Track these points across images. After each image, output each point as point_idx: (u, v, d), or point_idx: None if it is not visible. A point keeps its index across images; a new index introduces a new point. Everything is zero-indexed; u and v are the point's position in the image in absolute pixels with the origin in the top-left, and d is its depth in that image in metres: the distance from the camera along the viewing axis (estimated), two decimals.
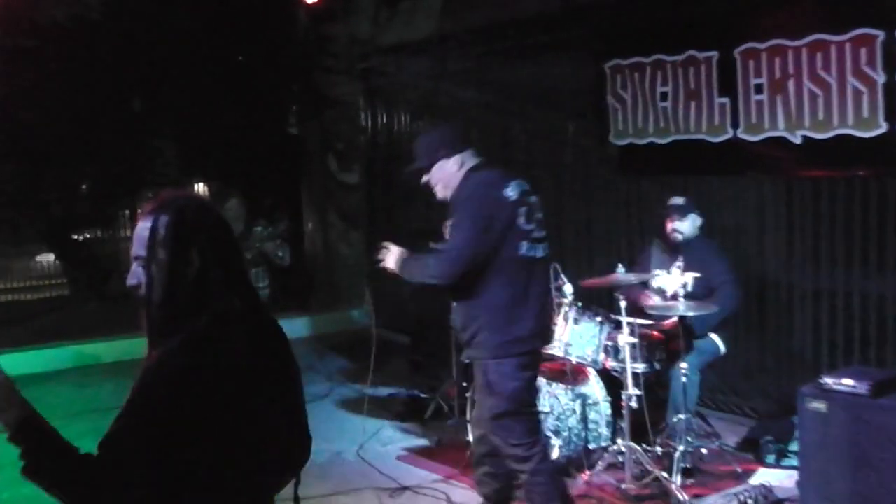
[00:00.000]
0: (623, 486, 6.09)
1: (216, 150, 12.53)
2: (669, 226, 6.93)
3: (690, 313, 6.31)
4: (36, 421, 2.37)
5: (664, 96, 7.88)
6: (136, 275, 2.58)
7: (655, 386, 6.73)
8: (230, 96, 12.01)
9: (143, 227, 2.57)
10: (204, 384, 2.41)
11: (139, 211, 2.70)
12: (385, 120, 11.83)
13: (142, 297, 2.56)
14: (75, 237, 13.96)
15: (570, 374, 6.53)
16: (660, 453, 6.35)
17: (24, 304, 13.47)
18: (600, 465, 6.34)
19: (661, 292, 6.85)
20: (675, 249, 6.91)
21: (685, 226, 6.87)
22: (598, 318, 6.44)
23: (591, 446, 6.53)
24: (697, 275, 6.53)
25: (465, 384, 7.21)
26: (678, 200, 7.00)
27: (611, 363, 6.49)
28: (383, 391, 8.76)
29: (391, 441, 7.56)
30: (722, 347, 6.88)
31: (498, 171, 5.16)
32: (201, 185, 13.47)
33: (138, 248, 2.57)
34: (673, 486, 5.91)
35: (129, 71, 11.49)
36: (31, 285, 14.31)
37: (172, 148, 12.94)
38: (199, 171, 13.38)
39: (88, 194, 13.71)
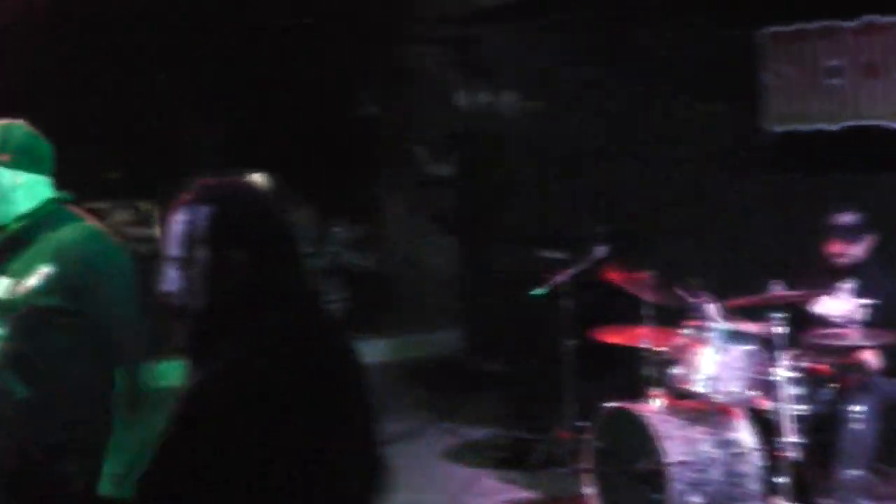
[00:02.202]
0: None
1: (271, 136, 12.65)
2: (834, 248, 6.79)
3: (868, 345, 6.24)
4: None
5: (834, 72, 7.82)
6: (170, 280, 2.56)
7: (821, 433, 6.67)
8: (289, 69, 12.11)
9: (179, 221, 2.55)
10: (253, 418, 2.39)
11: (174, 203, 2.65)
12: (485, 100, 11.86)
13: (178, 306, 2.55)
14: None
15: (713, 416, 6.52)
16: None
17: None
18: None
19: (823, 319, 6.77)
20: (840, 269, 6.80)
21: (856, 251, 6.73)
22: (750, 346, 6.42)
23: None
24: (874, 301, 6.44)
25: (579, 424, 7.24)
26: (847, 218, 6.76)
27: (765, 402, 6.46)
28: (479, 432, 8.81)
29: (491, 493, 7.59)
30: None
31: None
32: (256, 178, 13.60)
33: (173, 247, 2.55)
34: None
35: (160, 37, 11.66)
36: None
37: (215, 132, 13.07)
38: (250, 160, 13.50)
39: (114, 187, 13.96)
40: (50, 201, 3.86)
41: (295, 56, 12.17)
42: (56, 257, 3.61)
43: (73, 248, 3.67)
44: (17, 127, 3.90)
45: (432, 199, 12.64)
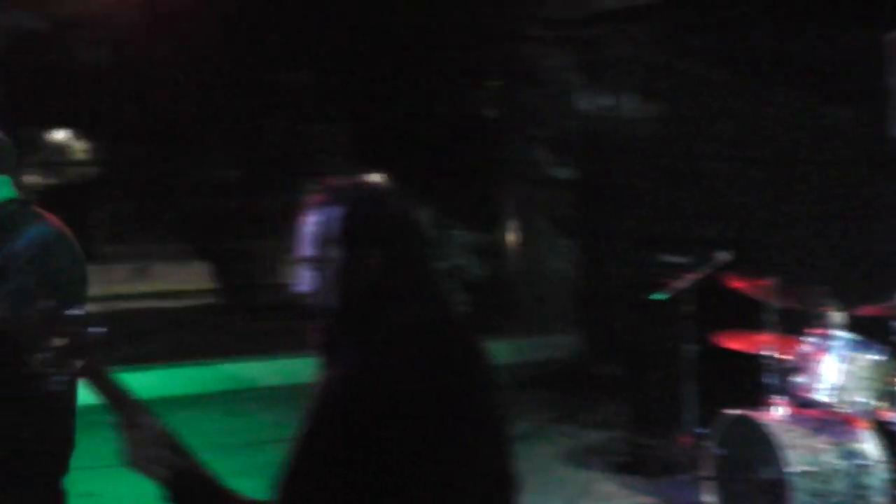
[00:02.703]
0: None
1: (392, 136, 12.72)
2: None
3: None
4: (198, 476, 2.50)
5: None
6: (304, 280, 2.59)
7: None
8: (411, 69, 12.17)
9: (312, 222, 2.57)
10: (384, 415, 2.39)
11: (303, 204, 2.68)
12: (606, 101, 11.83)
13: (311, 306, 2.58)
14: (223, 237, 14.43)
15: (837, 426, 6.45)
16: None
17: (161, 313, 14.02)
18: None
19: None
20: None
21: None
22: (877, 355, 6.34)
23: None
24: None
25: (699, 430, 7.21)
26: None
27: (891, 414, 6.38)
28: (598, 435, 8.81)
29: (610, 497, 7.59)
30: None
31: None
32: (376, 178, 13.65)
33: (306, 247, 2.58)
34: None
35: (286, 38, 11.81)
36: (169, 291, 14.87)
37: (339, 132, 13.18)
38: (372, 160, 13.61)
39: (238, 186, 14.15)
40: (10, 202, 3.66)
41: (416, 57, 12.23)
42: (17, 263, 3.47)
43: (35, 252, 3.50)
44: None
45: (552, 201, 12.63)
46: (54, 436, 3.64)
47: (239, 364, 11.14)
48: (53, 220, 3.67)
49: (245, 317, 13.12)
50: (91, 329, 2.62)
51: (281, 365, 10.63)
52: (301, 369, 9.93)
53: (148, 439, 2.50)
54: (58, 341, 2.59)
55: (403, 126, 12.48)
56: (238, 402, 10.28)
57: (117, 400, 2.58)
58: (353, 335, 2.53)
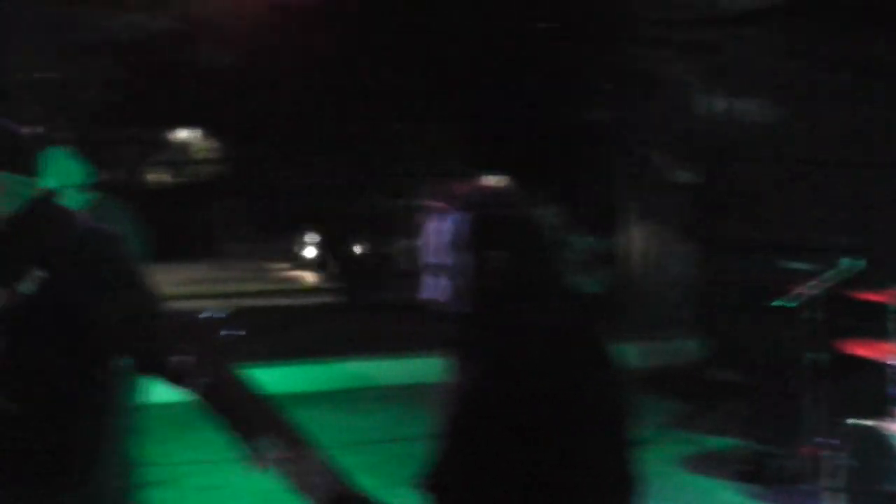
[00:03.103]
0: None
1: (510, 139, 12.69)
2: None
3: None
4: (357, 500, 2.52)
5: None
6: (430, 286, 2.64)
7: None
8: (523, 70, 12.13)
9: (436, 228, 2.61)
10: (519, 415, 2.44)
11: (426, 211, 2.69)
12: (726, 106, 11.72)
13: (439, 311, 2.62)
14: (342, 237, 14.56)
15: None
16: None
17: (280, 310, 14.13)
18: None
19: None
20: None
21: None
22: None
23: None
24: None
25: (821, 440, 7.12)
26: None
27: None
28: (718, 442, 8.72)
29: None
30: None
31: None
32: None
33: (431, 254, 2.62)
34: None
35: (404, 40, 11.85)
36: (287, 289, 15.05)
37: (448, 133, 13.19)
38: (483, 162, 13.59)
39: (356, 187, 14.26)
40: (34, 201, 3.60)
41: (532, 59, 12.21)
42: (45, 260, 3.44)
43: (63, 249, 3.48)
44: None
45: (671, 206, 12.54)
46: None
47: (358, 363, 11.22)
48: (82, 217, 3.69)
49: (363, 316, 13.21)
50: (228, 332, 2.66)
51: (399, 364, 10.70)
52: (419, 369, 10.06)
53: (308, 469, 2.52)
54: (194, 345, 2.65)
55: (521, 129, 12.46)
56: (356, 401, 10.34)
57: (262, 417, 2.61)
58: (484, 338, 2.57)
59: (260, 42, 11.83)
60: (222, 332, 2.68)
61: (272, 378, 9.61)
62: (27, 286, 3.35)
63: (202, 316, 2.69)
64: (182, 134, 20.82)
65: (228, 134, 15.38)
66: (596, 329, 2.70)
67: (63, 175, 5.88)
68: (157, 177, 22.35)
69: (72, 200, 5.75)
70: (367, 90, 12.37)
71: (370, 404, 10.18)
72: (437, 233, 2.61)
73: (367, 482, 2.56)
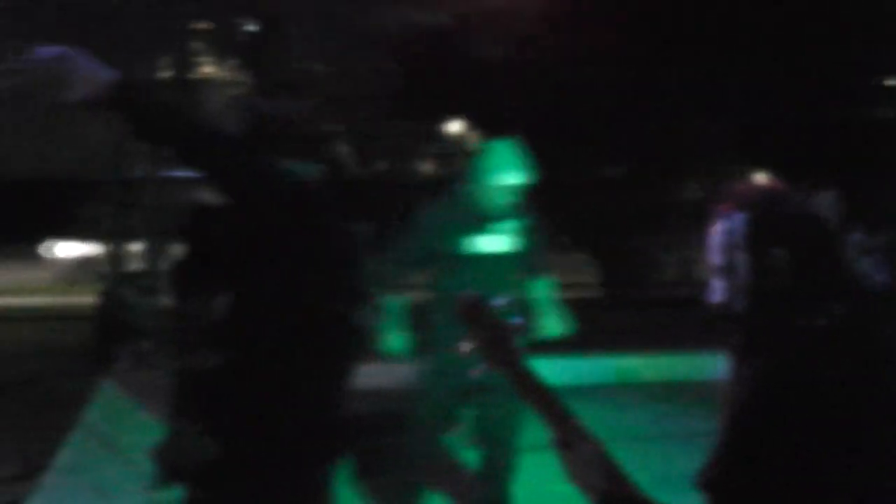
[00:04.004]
0: None
1: (783, 135, 12.45)
2: None
3: None
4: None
5: None
6: (716, 290, 2.62)
7: None
8: (798, 66, 11.89)
9: (720, 230, 2.60)
10: (806, 416, 2.38)
11: (711, 213, 2.70)
12: None
13: (721, 312, 2.61)
14: (609, 232, 14.57)
15: None
16: None
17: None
18: None
19: None
20: None
21: None
22: None
23: None
24: None
25: None
26: None
27: None
28: None
29: None
30: None
31: None
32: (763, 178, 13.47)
33: (715, 256, 2.62)
34: None
35: (673, 36, 11.76)
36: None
37: (724, 129, 13.02)
38: (759, 160, 13.35)
39: (622, 182, 14.23)
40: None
41: (810, 53, 11.94)
42: None
43: None
44: None
45: None
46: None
47: (620, 358, 11.23)
48: None
49: (627, 312, 13.21)
50: (512, 320, 2.74)
51: (662, 361, 10.66)
52: (681, 366, 9.99)
53: (585, 460, 2.55)
54: (482, 332, 2.71)
55: (795, 124, 12.20)
56: (623, 396, 10.35)
57: (543, 404, 2.66)
58: (765, 338, 2.55)
59: (536, 38, 11.94)
60: (506, 320, 2.76)
61: (541, 370, 9.86)
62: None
63: (494, 303, 2.77)
64: (453, 127, 21.21)
65: (499, 127, 15.57)
66: (884, 326, 2.65)
67: (503, 168, 6.01)
68: (429, 168, 22.84)
69: (503, 193, 5.96)
70: (642, 86, 12.34)
71: (636, 400, 10.17)
72: (719, 235, 2.62)
73: (634, 479, 2.59)
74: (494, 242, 6.10)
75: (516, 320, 2.76)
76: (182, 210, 3.82)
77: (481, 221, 6.07)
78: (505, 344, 2.69)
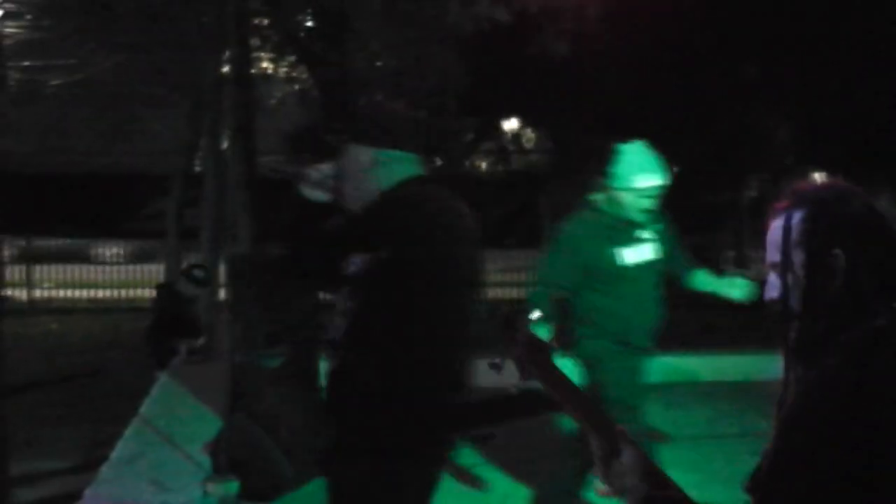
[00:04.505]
0: None
1: (844, 133, 12.37)
2: None
3: None
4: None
5: None
6: (773, 286, 2.57)
7: None
8: (866, 66, 11.80)
9: (776, 226, 2.56)
10: (865, 420, 2.31)
11: (770, 210, 2.67)
12: None
13: (780, 311, 2.55)
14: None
15: None
16: None
17: None
18: None
19: None
20: None
21: None
22: None
23: None
24: None
25: None
26: None
27: None
28: None
29: None
30: None
31: None
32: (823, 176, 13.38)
33: (773, 253, 2.57)
34: None
35: (738, 29, 11.70)
36: None
37: (786, 128, 12.96)
38: (823, 158, 13.26)
39: (680, 180, 14.21)
40: (412, 180, 3.84)
41: (872, 53, 11.85)
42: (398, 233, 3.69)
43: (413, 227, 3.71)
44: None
45: None
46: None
47: (678, 357, 11.19)
48: (450, 197, 3.88)
49: (683, 312, 13.16)
50: (547, 332, 2.75)
51: (721, 361, 10.63)
52: (739, 367, 9.95)
53: (624, 468, 2.54)
54: (515, 346, 2.73)
55: (860, 122, 12.11)
56: (677, 396, 10.30)
57: (583, 413, 2.66)
58: (824, 338, 2.49)
59: (597, 34, 11.93)
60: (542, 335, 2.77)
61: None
62: (385, 253, 3.62)
63: (529, 316, 2.79)
64: (510, 124, 21.19)
65: (556, 124, 15.57)
66: None
67: (641, 171, 5.83)
68: (487, 166, 22.91)
69: (643, 197, 5.80)
70: (699, 82, 12.30)
71: (691, 399, 10.13)
72: (776, 231, 2.58)
73: (687, 478, 2.58)
74: (642, 251, 5.91)
75: (550, 332, 2.79)
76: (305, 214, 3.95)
77: (627, 230, 5.86)
78: (539, 357, 2.71)
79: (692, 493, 2.50)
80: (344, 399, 3.73)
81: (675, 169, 14.20)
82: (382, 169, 3.82)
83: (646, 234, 5.92)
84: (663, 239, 6.06)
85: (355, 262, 3.67)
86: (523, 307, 2.81)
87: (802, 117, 12.63)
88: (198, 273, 12.60)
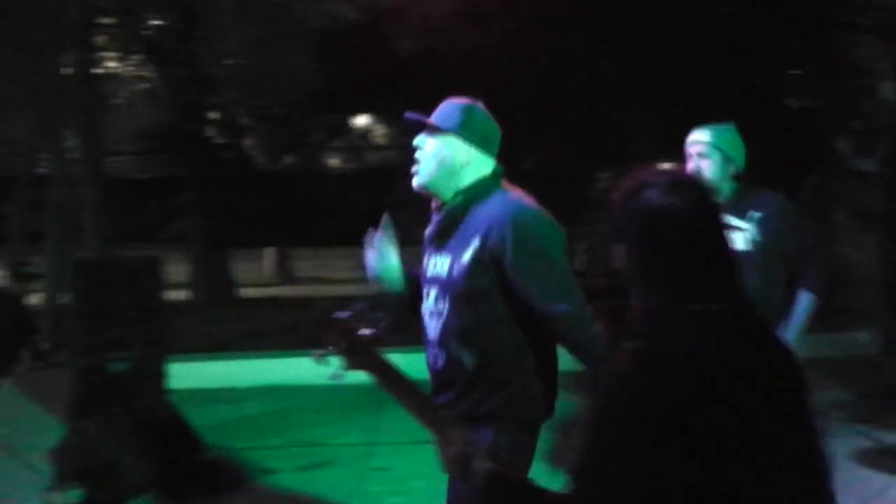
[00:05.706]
0: None
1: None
2: None
3: None
4: (512, 480, 2.60)
5: None
6: (610, 260, 2.63)
7: None
8: (714, 59, 12.00)
9: (610, 213, 2.62)
10: (664, 395, 2.35)
11: (611, 191, 2.72)
12: None
13: (609, 295, 2.75)
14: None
15: None
16: None
17: None
18: None
19: None
20: None
21: None
22: None
23: None
24: None
25: None
26: None
27: None
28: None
29: None
30: None
31: None
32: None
33: (607, 232, 2.64)
34: None
35: (593, 24, 11.83)
36: None
37: (642, 121, 13.13)
38: (677, 149, 13.44)
39: (550, 173, 14.29)
40: (488, 179, 4.03)
41: (724, 45, 12.04)
42: (484, 231, 3.82)
43: (499, 222, 3.81)
44: (477, 108, 4.12)
45: (855, 193, 12.24)
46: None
47: None
48: (520, 194, 4.03)
49: None
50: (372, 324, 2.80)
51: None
52: None
53: (459, 452, 2.64)
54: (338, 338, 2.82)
55: (709, 114, 12.32)
56: None
57: (409, 400, 2.76)
58: (644, 324, 2.53)
59: (448, 31, 11.95)
60: (372, 318, 2.80)
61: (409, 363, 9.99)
62: (468, 257, 3.81)
63: (352, 309, 2.82)
64: (360, 120, 21.21)
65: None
66: (763, 318, 2.64)
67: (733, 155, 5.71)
68: (337, 161, 22.85)
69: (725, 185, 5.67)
70: (560, 78, 12.40)
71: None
72: (612, 211, 2.65)
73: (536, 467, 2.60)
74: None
75: (374, 324, 2.81)
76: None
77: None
78: (362, 349, 2.75)
79: None
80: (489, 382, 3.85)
81: (529, 165, 14.36)
82: (471, 168, 4.04)
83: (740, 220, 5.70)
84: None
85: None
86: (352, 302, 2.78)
87: (658, 110, 12.78)
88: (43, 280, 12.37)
